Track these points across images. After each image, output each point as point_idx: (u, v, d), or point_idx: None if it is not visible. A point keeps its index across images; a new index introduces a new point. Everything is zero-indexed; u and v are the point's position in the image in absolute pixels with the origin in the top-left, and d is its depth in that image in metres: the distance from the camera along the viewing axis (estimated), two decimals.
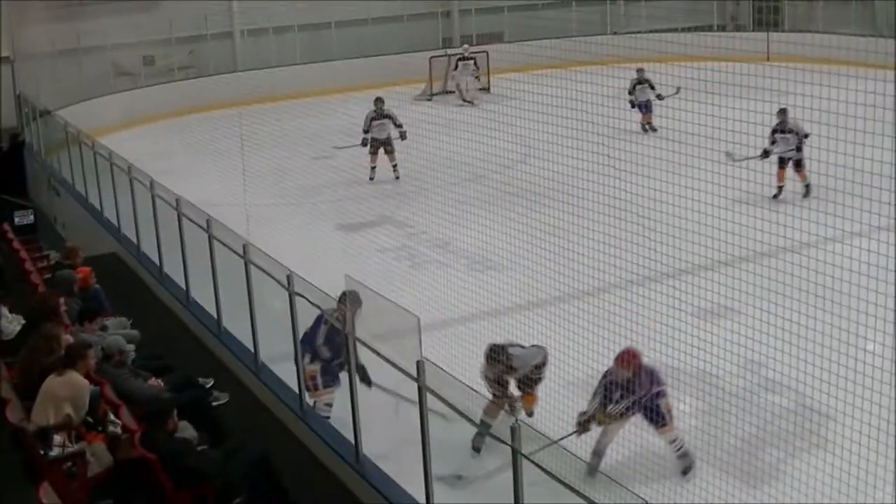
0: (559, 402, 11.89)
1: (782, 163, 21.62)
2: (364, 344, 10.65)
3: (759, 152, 20.04)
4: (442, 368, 9.68)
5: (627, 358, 11.42)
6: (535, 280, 14.68)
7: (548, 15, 36.63)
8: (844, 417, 10.75)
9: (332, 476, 11.23)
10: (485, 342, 13.02)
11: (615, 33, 37.61)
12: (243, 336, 13.92)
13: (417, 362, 9.39)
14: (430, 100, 34.24)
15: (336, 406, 12.07)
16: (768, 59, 29.26)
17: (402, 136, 24.88)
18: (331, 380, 12.19)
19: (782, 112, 21.20)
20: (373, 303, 10.46)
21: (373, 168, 25.06)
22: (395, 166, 25.11)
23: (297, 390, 12.38)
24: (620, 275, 13.95)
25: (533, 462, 7.84)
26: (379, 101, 25.42)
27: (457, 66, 35.15)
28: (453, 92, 34.68)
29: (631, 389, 11.09)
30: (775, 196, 21.17)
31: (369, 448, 11.06)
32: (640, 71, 28.09)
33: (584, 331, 13.33)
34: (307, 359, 12.15)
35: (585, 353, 12.89)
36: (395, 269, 17.67)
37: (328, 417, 12.12)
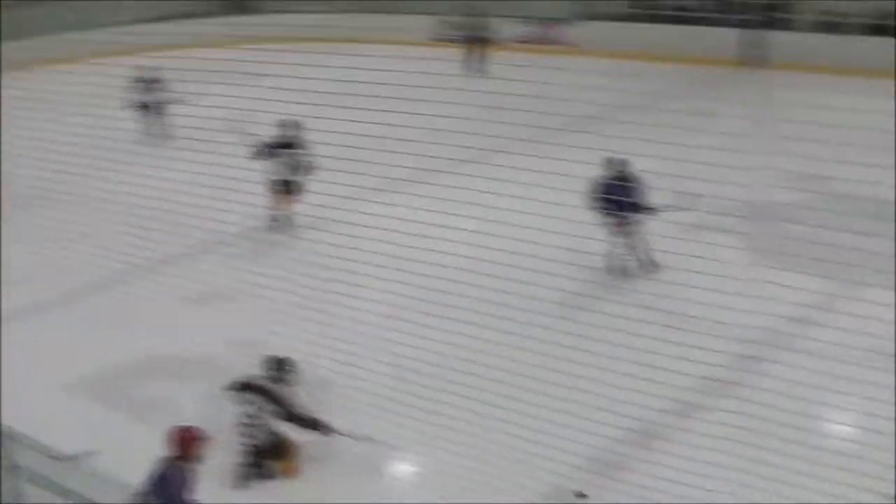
0: (67, 408, 11.73)
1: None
2: None
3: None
4: None
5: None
6: (20, 285, 14.39)
7: None
8: (347, 385, 11.36)
9: None
10: None
11: None
12: None
13: None
14: None
15: None
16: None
17: None
18: None
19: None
20: None
21: None
22: None
23: None
24: (107, 268, 13.96)
25: None
26: None
27: None
28: None
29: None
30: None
31: None
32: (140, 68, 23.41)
33: (82, 330, 13.29)
34: None
35: (86, 352, 12.83)
36: None
37: None
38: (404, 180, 15.01)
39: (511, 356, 10.87)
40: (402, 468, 10.98)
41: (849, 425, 10.78)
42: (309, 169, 16.80)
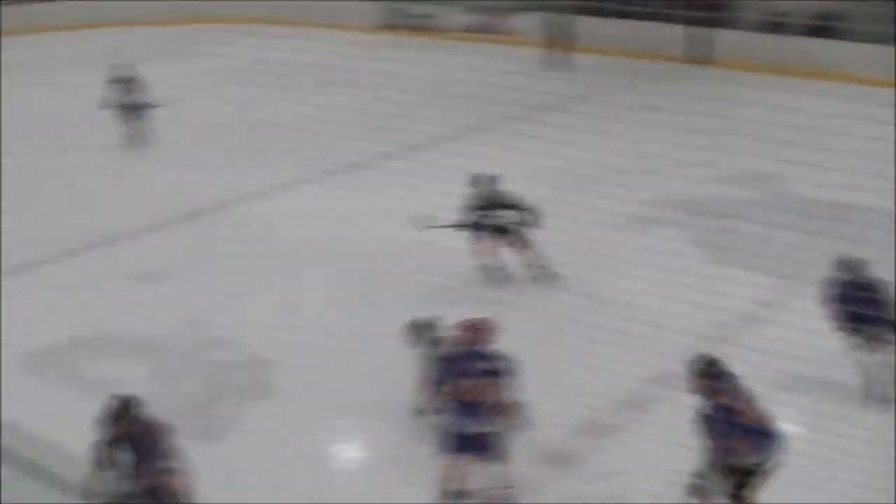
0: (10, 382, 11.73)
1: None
2: None
3: None
4: None
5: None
6: None
7: None
8: (290, 362, 11.46)
9: None
10: None
11: None
12: None
13: None
14: None
15: None
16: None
17: None
18: None
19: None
20: None
21: None
22: None
23: None
24: (53, 244, 13.95)
25: None
26: None
27: None
28: None
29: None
30: None
31: None
32: (117, 68, 20.75)
33: (26, 305, 13.27)
34: None
35: (30, 327, 12.82)
36: None
37: None
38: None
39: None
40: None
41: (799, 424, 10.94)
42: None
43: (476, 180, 13.28)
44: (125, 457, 7.92)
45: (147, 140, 19.72)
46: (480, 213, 13.27)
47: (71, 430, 9.06)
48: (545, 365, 10.35)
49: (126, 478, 7.83)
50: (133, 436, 8.02)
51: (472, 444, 8.95)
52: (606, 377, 10.20)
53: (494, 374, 9.00)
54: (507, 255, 13.41)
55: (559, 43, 27.41)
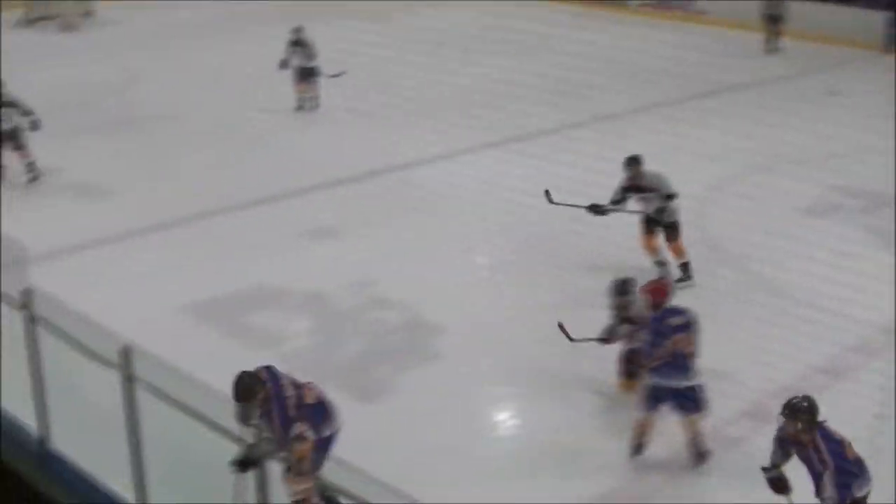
0: (178, 329, 11.88)
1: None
2: None
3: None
4: (54, 297, 9.53)
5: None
6: (147, 205, 14.60)
7: None
8: (454, 328, 11.31)
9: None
10: (97, 270, 12.92)
11: None
12: None
13: (25, 290, 9.17)
14: (31, 26, 32.90)
15: None
16: None
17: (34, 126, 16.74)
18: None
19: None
20: None
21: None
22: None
23: None
24: (230, 198, 14.09)
25: None
26: None
27: None
28: (55, 17, 33.31)
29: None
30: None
31: None
32: (296, 30, 20.65)
33: (199, 253, 13.44)
34: None
35: (201, 276, 12.99)
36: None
37: None
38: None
39: None
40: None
41: None
42: None
43: (629, 162, 12.50)
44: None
45: (319, 103, 19.82)
46: (628, 196, 12.62)
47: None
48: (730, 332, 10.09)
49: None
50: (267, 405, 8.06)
51: (678, 398, 9.32)
52: (776, 361, 9.90)
53: (689, 327, 9.39)
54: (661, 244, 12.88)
55: (768, 25, 26.68)
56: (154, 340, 9.93)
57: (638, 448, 9.57)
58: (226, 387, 8.03)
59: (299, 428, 7.92)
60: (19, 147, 16.78)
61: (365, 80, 19.61)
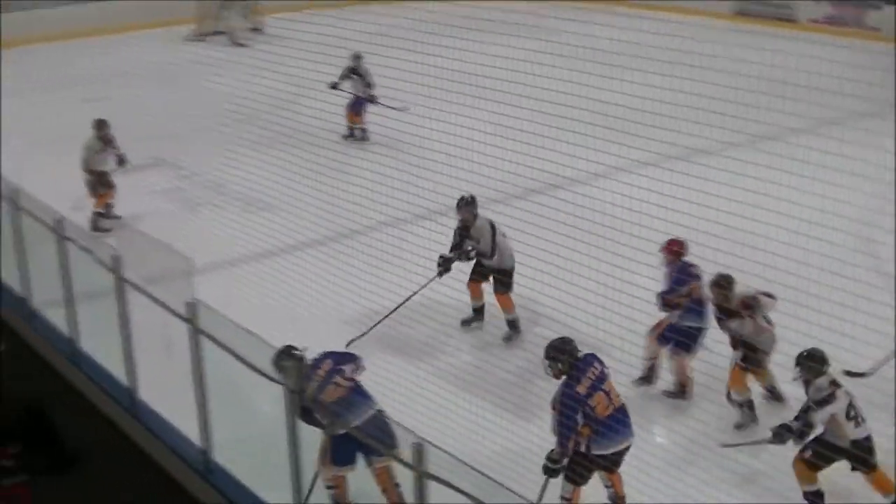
0: (338, 343, 12.01)
1: None
2: (134, 286, 10.54)
3: None
4: (215, 310, 9.72)
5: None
6: (308, 220, 14.76)
7: None
8: (611, 349, 11.19)
9: (107, 420, 11.18)
10: (259, 283, 13.12)
11: None
12: (15, 282, 13.66)
13: (189, 303, 9.38)
14: (202, 40, 33.62)
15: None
16: None
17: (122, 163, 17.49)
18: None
19: None
20: (145, 245, 10.39)
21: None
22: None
23: (68, 335, 12.25)
24: (390, 213, 14.18)
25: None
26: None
27: (225, 7, 34.13)
28: (224, 32, 34.01)
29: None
30: None
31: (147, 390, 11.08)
32: (356, 58, 21.42)
33: (357, 269, 13.54)
34: None
35: (360, 291, 13.10)
36: (168, 212, 17.52)
37: None
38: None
39: None
40: None
41: None
42: None
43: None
44: None
45: (367, 135, 20.77)
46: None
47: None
48: None
49: None
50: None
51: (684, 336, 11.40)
52: None
53: (702, 277, 11.59)
54: None
55: None
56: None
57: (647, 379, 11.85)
58: (384, 401, 8.11)
59: None
60: (108, 187, 17.35)
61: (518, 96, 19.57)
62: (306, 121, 17.01)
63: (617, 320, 10.96)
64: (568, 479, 9.27)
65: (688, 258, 11.86)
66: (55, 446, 10.18)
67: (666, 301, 11.75)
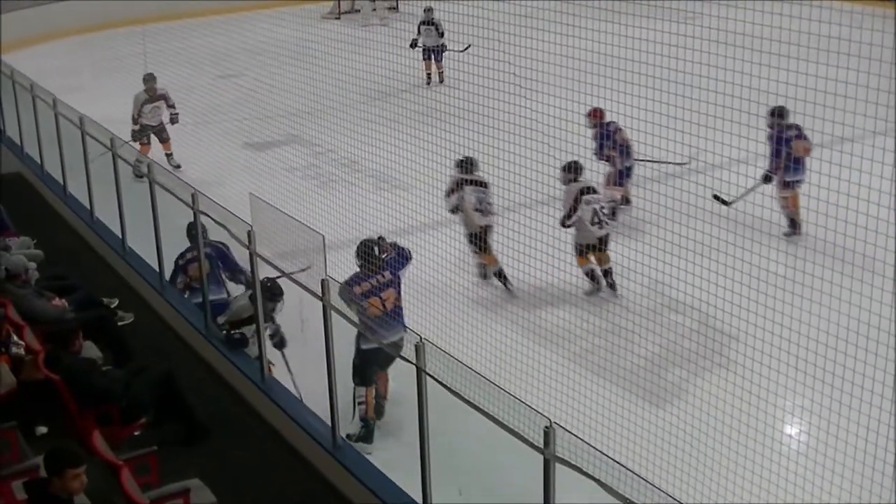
0: (470, 323, 11.94)
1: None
2: (267, 262, 10.56)
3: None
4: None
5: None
6: (441, 199, 14.69)
7: None
8: (747, 337, 10.92)
9: (236, 394, 11.23)
10: None
11: None
12: (148, 255, 13.80)
13: (322, 280, 9.36)
14: (338, 18, 33.82)
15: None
16: None
17: (174, 121, 20.16)
18: None
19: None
20: (278, 221, 10.38)
21: None
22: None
23: (201, 309, 12.34)
24: (527, 194, 14.04)
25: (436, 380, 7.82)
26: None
27: None
28: (360, 10, 34.18)
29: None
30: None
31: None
32: (427, 11, 24.77)
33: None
34: None
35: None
36: (302, 189, 17.56)
37: None
38: None
39: None
40: None
41: None
42: None
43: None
44: None
45: (443, 78, 23.39)
46: None
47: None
48: None
49: None
50: None
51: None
52: None
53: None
54: None
55: None
56: (445, 338, 10.03)
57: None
58: (515, 384, 7.98)
59: None
60: (164, 140, 19.92)
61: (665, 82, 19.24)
62: (441, 99, 16.97)
63: (752, 307, 10.73)
64: (356, 383, 10.85)
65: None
66: (185, 419, 10.23)
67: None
